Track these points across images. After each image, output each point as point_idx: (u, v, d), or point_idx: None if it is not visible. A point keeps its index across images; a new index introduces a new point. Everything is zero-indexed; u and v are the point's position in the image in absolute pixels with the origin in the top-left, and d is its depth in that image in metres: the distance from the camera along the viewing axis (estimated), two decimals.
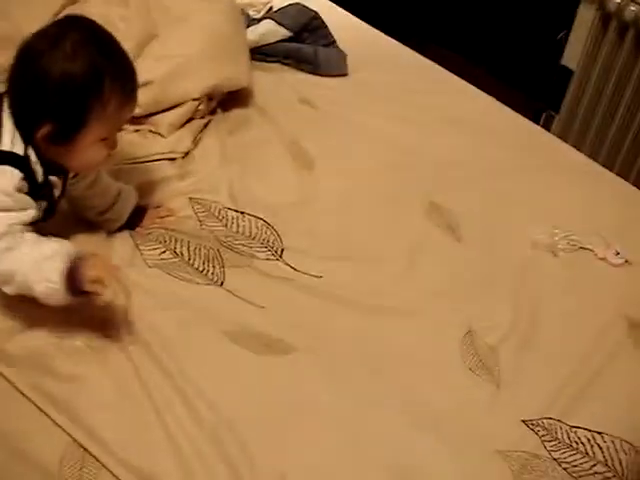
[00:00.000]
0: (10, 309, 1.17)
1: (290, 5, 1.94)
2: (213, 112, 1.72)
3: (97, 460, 1.00)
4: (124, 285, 1.16)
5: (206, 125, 1.69)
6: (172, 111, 1.61)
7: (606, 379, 1.23)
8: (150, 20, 1.63)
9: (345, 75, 1.89)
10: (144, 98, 1.56)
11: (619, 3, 2.15)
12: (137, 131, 1.64)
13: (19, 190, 1.10)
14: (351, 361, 1.21)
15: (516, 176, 1.62)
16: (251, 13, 1.99)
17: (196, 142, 1.63)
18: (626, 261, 1.45)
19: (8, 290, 1.11)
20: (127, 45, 1.54)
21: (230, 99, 1.75)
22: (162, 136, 1.61)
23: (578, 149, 2.32)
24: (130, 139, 1.60)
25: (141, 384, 1.11)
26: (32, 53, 1.10)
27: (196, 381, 1.12)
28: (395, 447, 1.09)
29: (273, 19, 1.89)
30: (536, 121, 2.50)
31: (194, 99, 1.62)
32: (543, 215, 1.53)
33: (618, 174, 2.20)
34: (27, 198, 1.12)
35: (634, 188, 1.68)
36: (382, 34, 2.09)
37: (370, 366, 1.20)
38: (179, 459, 1.03)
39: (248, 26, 1.90)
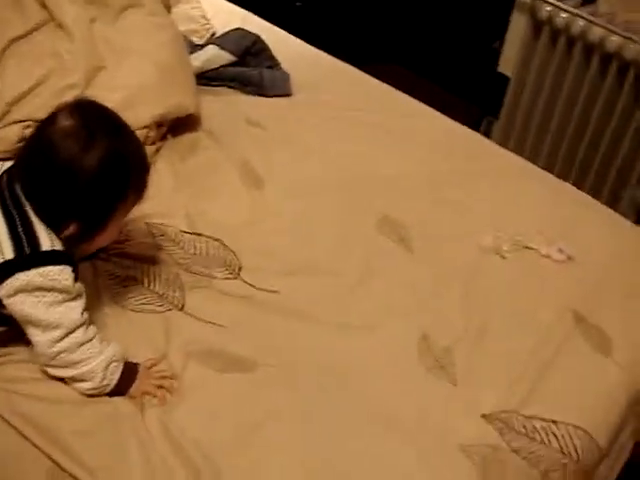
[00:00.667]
0: None
1: (232, 30, 1.99)
2: (163, 138, 1.74)
3: None
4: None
5: (158, 151, 1.71)
6: None
7: (556, 371, 1.31)
8: (96, 53, 1.65)
9: (290, 95, 1.93)
10: None
11: (550, 11, 2.24)
12: None
13: (74, 281, 1.13)
14: (313, 374, 1.25)
15: (460, 184, 1.69)
16: (194, 40, 2.02)
17: None
18: (568, 257, 1.52)
19: (65, 374, 1.15)
20: (74, 77, 1.60)
21: (179, 124, 1.77)
22: None
23: (519, 153, 2.41)
24: None
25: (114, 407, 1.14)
26: (60, 158, 1.09)
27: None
28: (362, 453, 1.13)
29: (216, 44, 1.93)
30: (477, 127, 2.60)
31: (144, 127, 1.64)
32: (488, 219, 1.60)
33: (558, 175, 2.31)
34: (79, 285, 1.15)
35: (574, 188, 1.76)
36: (323, 53, 2.14)
37: (332, 378, 1.25)
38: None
39: (191, 52, 1.93)
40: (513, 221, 1.59)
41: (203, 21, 2.12)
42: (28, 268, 1.09)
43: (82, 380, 1.15)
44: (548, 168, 2.32)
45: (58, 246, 1.13)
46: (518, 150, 2.45)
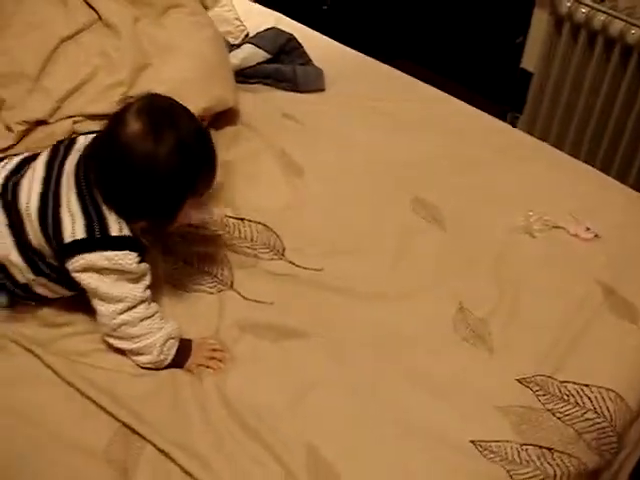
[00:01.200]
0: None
1: (267, 30, 2.08)
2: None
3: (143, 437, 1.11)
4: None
5: None
6: None
7: (587, 339, 1.37)
8: (142, 50, 1.74)
9: (323, 90, 2.01)
10: None
11: (569, 6, 2.31)
12: None
13: (138, 263, 1.21)
14: (356, 342, 1.33)
15: (490, 169, 1.76)
16: (230, 40, 2.12)
17: None
18: (596, 235, 1.59)
19: (125, 346, 1.24)
20: (122, 73, 1.69)
21: (219, 118, 1.87)
22: None
23: None
24: None
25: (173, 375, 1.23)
26: (134, 154, 1.14)
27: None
28: (402, 408, 1.22)
29: (252, 43, 2.02)
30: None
31: None
32: (519, 202, 1.67)
33: None
34: (144, 265, 1.23)
35: (599, 172, 1.83)
36: (350, 49, 2.22)
37: (374, 345, 1.33)
38: (212, 435, 1.14)
39: (229, 51, 2.02)
40: (542, 202, 1.66)
41: (237, 23, 2.21)
42: (95, 250, 1.18)
43: (140, 353, 1.24)
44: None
45: (126, 231, 1.20)
46: None
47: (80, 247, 1.18)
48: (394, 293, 1.43)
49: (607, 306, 1.44)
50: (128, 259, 1.19)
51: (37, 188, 1.22)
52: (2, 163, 1.32)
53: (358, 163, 1.76)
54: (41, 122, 1.69)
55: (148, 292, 1.24)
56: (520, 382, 1.27)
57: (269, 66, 2.02)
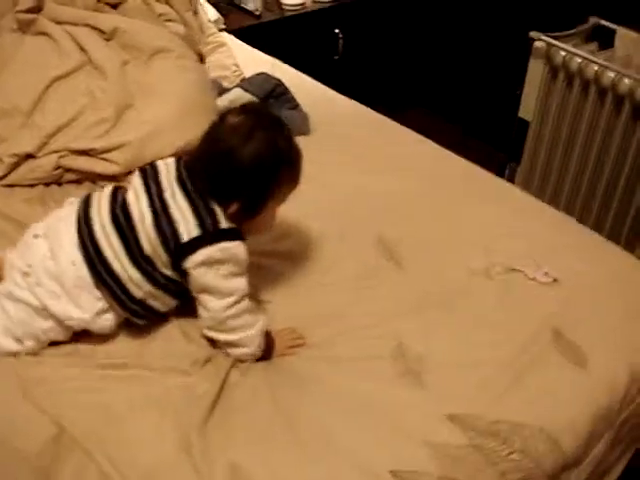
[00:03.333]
0: None
1: (256, 75, 2.16)
2: None
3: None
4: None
5: None
6: None
7: (528, 379, 1.36)
8: (126, 91, 1.84)
9: (307, 134, 2.07)
10: (122, 158, 1.79)
11: (564, 56, 2.34)
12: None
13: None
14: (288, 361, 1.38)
15: (458, 211, 1.78)
16: (224, 84, 2.21)
17: None
18: (554, 280, 1.59)
19: (227, 338, 1.34)
20: (106, 112, 1.78)
21: None
22: None
23: (540, 195, 2.51)
24: None
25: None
26: (227, 147, 1.29)
27: None
28: (327, 432, 1.23)
29: (241, 87, 2.11)
30: (501, 173, 2.69)
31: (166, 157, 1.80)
32: (481, 244, 1.68)
33: (579, 214, 2.38)
34: (247, 259, 1.33)
35: (566, 216, 1.83)
36: (341, 95, 2.29)
37: (305, 367, 1.37)
38: None
39: (220, 94, 2.11)
40: (504, 245, 1.67)
41: (234, 68, 2.31)
42: (211, 243, 1.28)
43: (240, 346, 1.33)
44: (569, 208, 2.41)
45: (231, 224, 1.31)
46: (540, 192, 2.54)
47: (197, 243, 1.28)
48: (341, 325, 1.45)
49: (554, 348, 1.43)
50: (241, 249, 1.30)
51: (144, 200, 1.33)
52: (95, 195, 1.42)
53: (329, 202, 1.80)
54: (29, 156, 1.80)
55: (248, 287, 1.33)
56: (450, 418, 1.27)
57: None
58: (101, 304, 1.34)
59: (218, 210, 1.30)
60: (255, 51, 2.54)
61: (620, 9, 2.42)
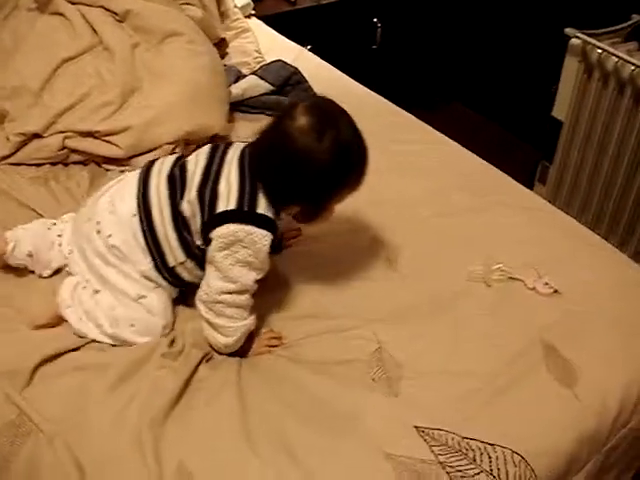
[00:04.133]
0: None
1: (273, 62, 2.12)
2: None
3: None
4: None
5: None
6: (149, 154, 1.78)
7: (509, 397, 1.29)
8: (133, 74, 1.82)
9: None
10: (125, 142, 1.77)
11: (600, 54, 2.23)
12: (122, 172, 1.82)
13: (267, 251, 1.29)
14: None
15: (464, 214, 1.71)
16: (244, 71, 2.17)
17: None
18: (555, 291, 1.50)
19: (212, 319, 1.32)
20: (111, 94, 1.77)
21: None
22: None
23: (572, 197, 2.40)
24: (112, 178, 1.79)
25: None
26: (296, 150, 1.24)
27: None
28: (286, 435, 1.19)
29: (257, 75, 2.07)
30: (533, 171, 2.59)
31: (169, 143, 1.79)
32: (483, 248, 1.60)
33: (610, 219, 2.27)
34: (268, 259, 1.31)
35: (577, 224, 1.73)
36: (364, 88, 2.22)
37: (283, 374, 1.32)
38: None
39: (236, 81, 2.08)
40: (507, 253, 1.59)
41: (256, 54, 2.27)
42: (240, 222, 1.26)
43: (220, 333, 1.31)
44: (601, 210, 2.30)
45: (270, 214, 1.28)
46: (571, 194, 2.44)
47: (227, 217, 1.27)
48: (323, 326, 1.41)
49: (544, 364, 1.35)
50: (264, 240, 1.27)
51: (202, 164, 1.33)
52: (159, 160, 1.44)
53: None
54: (36, 135, 1.80)
55: (256, 285, 1.31)
56: (418, 430, 1.21)
57: (271, 97, 2.06)
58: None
59: (262, 196, 1.28)
60: (283, 38, 2.50)
61: None
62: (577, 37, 2.25)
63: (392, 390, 1.28)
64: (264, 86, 2.06)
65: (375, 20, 3.00)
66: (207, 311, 1.31)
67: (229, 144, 1.39)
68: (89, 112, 1.80)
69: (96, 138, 1.80)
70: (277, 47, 2.41)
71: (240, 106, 2.07)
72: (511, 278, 1.54)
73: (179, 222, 1.32)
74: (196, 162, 1.36)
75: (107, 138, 1.79)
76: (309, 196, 1.30)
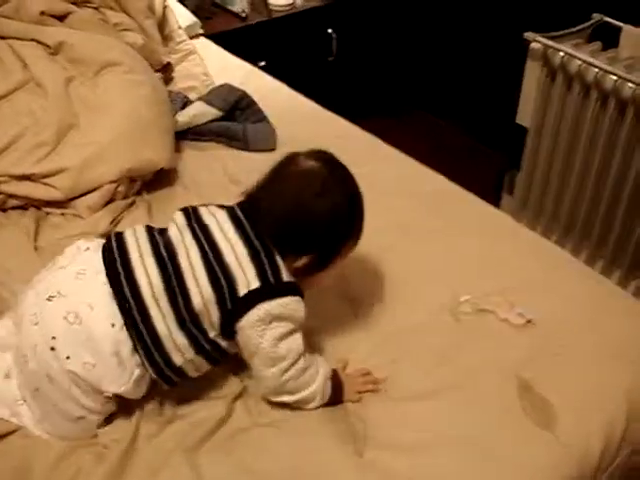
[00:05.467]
0: None
1: (219, 86, 2.02)
2: (139, 193, 1.77)
3: None
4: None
5: (131, 205, 1.74)
6: (89, 195, 1.67)
7: (481, 442, 1.19)
8: (68, 110, 1.70)
9: (273, 149, 1.92)
10: (63, 184, 1.66)
11: (562, 57, 2.14)
12: (63, 214, 1.71)
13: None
14: None
15: (433, 241, 1.61)
16: (191, 96, 2.06)
17: (116, 223, 1.68)
18: (528, 321, 1.41)
19: (290, 399, 1.21)
20: (46, 133, 1.65)
21: (158, 178, 1.80)
22: (82, 218, 1.67)
23: (541, 207, 2.32)
24: (55, 222, 1.69)
25: None
26: (302, 198, 1.17)
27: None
28: None
29: (203, 100, 1.96)
30: (500, 180, 2.51)
31: (112, 182, 1.67)
32: (452, 278, 1.51)
33: (581, 229, 2.19)
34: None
35: (554, 246, 1.64)
36: (318, 106, 2.12)
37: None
38: None
39: (183, 108, 1.97)
40: (478, 281, 1.50)
41: (203, 77, 2.16)
42: (272, 298, 1.13)
43: (305, 402, 1.21)
44: (571, 220, 2.22)
45: (292, 278, 1.18)
46: (540, 203, 2.36)
47: (256, 297, 1.13)
48: None
49: (518, 404, 1.26)
50: (301, 306, 1.17)
51: (194, 247, 1.16)
52: (128, 240, 1.22)
53: None
54: None
55: (304, 341, 1.20)
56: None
57: (221, 124, 1.96)
58: (139, 371, 1.15)
59: (279, 259, 1.16)
60: (233, 58, 2.39)
61: (627, 5, 2.21)
62: (537, 41, 2.17)
63: (357, 450, 1.18)
64: (212, 112, 1.95)
65: (330, 31, 2.91)
66: (281, 397, 1.21)
67: (195, 209, 1.25)
68: (24, 154, 1.68)
69: (33, 181, 1.68)
70: (228, 67, 2.31)
71: (188, 134, 1.96)
72: (481, 310, 1.44)
73: (186, 322, 1.14)
74: (185, 246, 1.17)
75: (44, 180, 1.67)
76: (320, 248, 1.19)
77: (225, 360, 1.24)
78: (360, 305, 1.46)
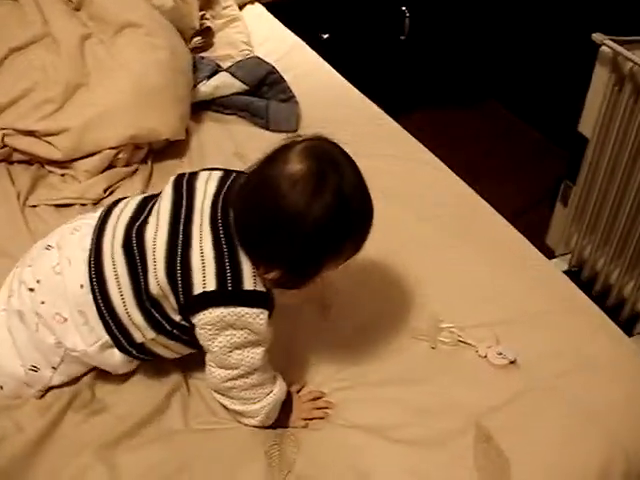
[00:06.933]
0: None
1: (248, 59, 1.92)
2: (145, 161, 1.71)
3: None
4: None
5: (134, 173, 1.69)
6: (88, 159, 1.62)
7: None
8: (80, 68, 1.65)
9: (295, 131, 1.81)
10: (63, 144, 1.62)
11: (631, 67, 1.92)
12: (63, 175, 1.67)
13: (267, 325, 1.07)
14: None
15: (421, 257, 1.47)
16: (226, 65, 1.97)
17: (112, 190, 1.63)
18: (510, 362, 1.26)
19: (230, 406, 1.15)
20: (54, 91, 1.61)
21: (168, 148, 1.74)
22: (79, 181, 1.63)
23: (595, 226, 2.11)
24: (52, 182, 1.65)
25: None
26: (283, 204, 0.99)
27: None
28: None
29: (229, 72, 1.86)
30: (556, 190, 2.32)
31: (112, 147, 1.62)
32: (437, 303, 1.37)
33: (635, 249, 1.98)
34: (270, 329, 1.09)
35: (559, 273, 1.47)
36: (355, 90, 1.99)
37: None
38: None
39: (210, 77, 1.88)
40: (465, 309, 1.36)
41: (243, 46, 2.07)
42: (226, 305, 1.04)
43: (246, 416, 1.14)
44: (625, 242, 2.03)
45: (260, 287, 1.06)
46: (595, 220, 2.16)
47: (208, 300, 1.05)
48: None
49: (471, 454, 1.13)
50: (259, 319, 1.05)
51: (164, 226, 1.09)
52: (120, 206, 1.20)
53: None
54: None
55: (265, 358, 1.10)
56: None
57: (244, 98, 1.86)
58: (106, 337, 1.13)
59: (246, 267, 1.05)
60: (283, 28, 2.28)
61: None
62: (606, 45, 1.94)
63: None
64: (237, 85, 1.86)
65: (403, 9, 2.74)
66: (221, 397, 1.14)
67: (191, 183, 1.14)
68: (30, 109, 1.65)
69: (36, 137, 1.64)
70: (274, 37, 2.20)
71: (211, 105, 1.88)
72: (461, 342, 1.30)
73: (145, 301, 1.10)
74: (157, 225, 1.10)
75: (47, 139, 1.63)
76: (293, 262, 1.04)
77: None
78: (332, 318, 1.35)
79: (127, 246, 1.11)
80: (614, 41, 1.93)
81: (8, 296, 1.19)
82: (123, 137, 1.61)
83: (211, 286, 1.04)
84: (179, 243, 1.07)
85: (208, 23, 2.05)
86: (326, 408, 1.19)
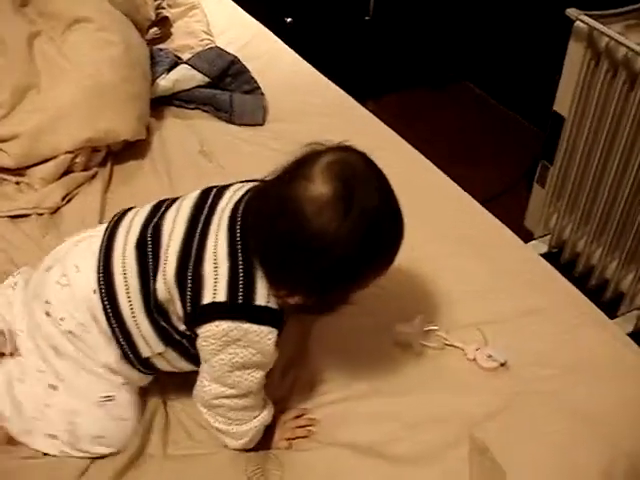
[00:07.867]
0: None
1: (208, 49, 1.82)
2: (104, 163, 1.61)
3: None
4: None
5: (94, 177, 1.59)
6: (43, 165, 1.53)
7: None
8: (29, 70, 1.55)
9: (261, 124, 1.73)
10: (14, 151, 1.52)
11: (607, 42, 1.86)
12: (18, 183, 1.57)
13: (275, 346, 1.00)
14: None
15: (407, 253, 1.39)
16: (185, 56, 1.87)
17: (69, 199, 1.53)
18: (501, 364, 1.20)
19: (213, 423, 1.07)
20: (1, 95, 1.50)
21: (127, 150, 1.65)
22: (35, 190, 1.53)
23: (574, 206, 2.06)
24: (7, 191, 1.56)
25: None
26: (311, 229, 0.91)
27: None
28: None
29: (189, 64, 1.77)
30: (533, 172, 2.27)
31: (68, 152, 1.52)
32: (423, 304, 1.31)
33: (616, 229, 1.94)
34: (276, 351, 1.02)
35: (555, 272, 1.40)
36: (323, 77, 1.90)
37: None
38: None
39: (169, 70, 1.78)
40: (453, 311, 1.29)
41: (203, 36, 1.97)
42: (234, 319, 0.97)
43: (228, 437, 1.08)
44: (605, 223, 1.98)
45: (272, 304, 0.99)
46: (574, 201, 2.11)
47: (216, 312, 0.98)
48: None
49: (466, 469, 1.07)
50: (267, 338, 0.98)
51: (181, 225, 1.03)
52: (129, 215, 1.11)
53: None
54: None
55: (263, 382, 1.04)
56: None
57: (206, 91, 1.77)
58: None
59: (261, 281, 0.98)
60: (244, 15, 2.18)
61: None
62: (581, 20, 1.88)
63: None
64: (198, 78, 1.77)
65: None
66: (206, 412, 1.06)
67: (221, 191, 1.07)
68: None
69: None
70: (235, 25, 2.10)
71: (173, 100, 1.78)
72: (448, 345, 1.24)
73: (153, 307, 1.02)
74: (174, 223, 1.03)
75: None
76: (319, 289, 0.98)
77: None
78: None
79: (141, 244, 1.04)
80: (589, 16, 1.86)
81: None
82: (78, 140, 1.52)
83: (220, 296, 0.97)
84: (194, 246, 1.00)
85: (165, 12, 1.95)
86: (309, 426, 1.13)
